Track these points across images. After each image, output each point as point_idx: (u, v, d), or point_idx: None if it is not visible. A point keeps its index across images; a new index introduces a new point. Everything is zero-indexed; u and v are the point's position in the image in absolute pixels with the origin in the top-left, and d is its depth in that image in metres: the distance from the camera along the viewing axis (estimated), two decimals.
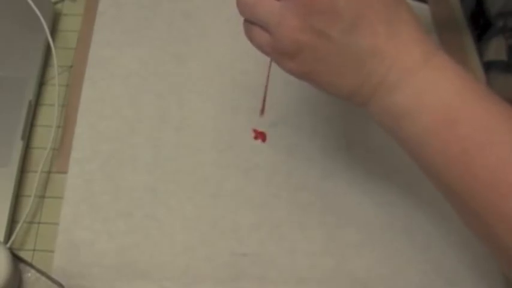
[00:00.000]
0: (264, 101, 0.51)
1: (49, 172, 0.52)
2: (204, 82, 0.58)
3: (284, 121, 0.55)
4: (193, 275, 0.48)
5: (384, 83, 0.37)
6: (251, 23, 0.40)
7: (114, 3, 0.62)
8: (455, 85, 0.37)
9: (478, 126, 0.36)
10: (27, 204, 0.49)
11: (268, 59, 0.42)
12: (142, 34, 0.61)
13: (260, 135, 0.55)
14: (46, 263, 0.47)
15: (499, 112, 0.36)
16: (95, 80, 0.57)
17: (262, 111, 0.51)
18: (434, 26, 0.63)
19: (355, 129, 0.56)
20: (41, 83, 0.57)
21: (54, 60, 0.55)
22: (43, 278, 0.41)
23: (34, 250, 0.49)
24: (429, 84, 0.37)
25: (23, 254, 0.43)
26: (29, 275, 0.40)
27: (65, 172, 0.52)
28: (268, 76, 0.47)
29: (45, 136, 0.53)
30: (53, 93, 0.55)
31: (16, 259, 0.40)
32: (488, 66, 0.61)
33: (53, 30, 0.60)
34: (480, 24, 0.64)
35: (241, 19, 0.41)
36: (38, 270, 0.41)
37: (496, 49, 0.61)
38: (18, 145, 0.51)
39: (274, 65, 0.41)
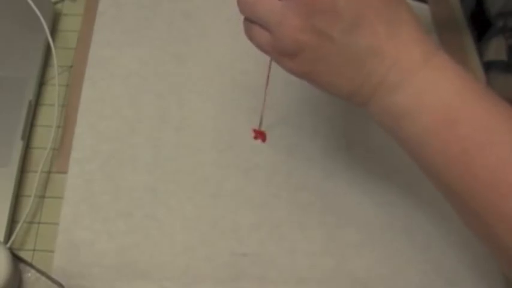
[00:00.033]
0: (264, 104, 0.51)
1: (49, 172, 0.52)
2: (204, 82, 0.58)
3: (284, 121, 0.55)
4: (193, 275, 0.48)
5: (384, 83, 0.37)
6: (251, 22, 0.40)
7: (114, 3, 0.62)
8: (455, 85, 0.37)
9: (478, 126, 0.36)
10: (27, 204, 0.49)
11: (268, 58, 0.42)
12: (142, 34, 0.61)
13: (260, 135, 0.55)
14: (46, 263, 0.47)
15: (499, 112, 0.36)
16: (95, 80, 0.57)
17: (260, 127, 0.54)
18: (434, 26, 0.63)
19: (355, 129, 0.56)
20: (41, 83, 0.57)
21: (54, 60, 0.55)
22: (43, 278, 0.40)
23: (34, 250, 0.49)
24: (429, 84, 0.37)
25: (23, 254, 0.43)
26: (29, 275, 0.40)
27: (65, 172, 0.52)
28: (268, 76, 0.47)
29: (45, 136, 0.53)
30: (53, 93, 0.55)
31: (16, 259, 0.40)
32: (488, 66, 0.61)
33: (53, 30, 0.60)
34: (480, 24, 0.64)
35: (242, 19, 0.41)
36: (38, 270, 0.41)
37: (496, 49, 0.61)
38: (18, 145, 0.51)
39: (274, 65, 0.41)
